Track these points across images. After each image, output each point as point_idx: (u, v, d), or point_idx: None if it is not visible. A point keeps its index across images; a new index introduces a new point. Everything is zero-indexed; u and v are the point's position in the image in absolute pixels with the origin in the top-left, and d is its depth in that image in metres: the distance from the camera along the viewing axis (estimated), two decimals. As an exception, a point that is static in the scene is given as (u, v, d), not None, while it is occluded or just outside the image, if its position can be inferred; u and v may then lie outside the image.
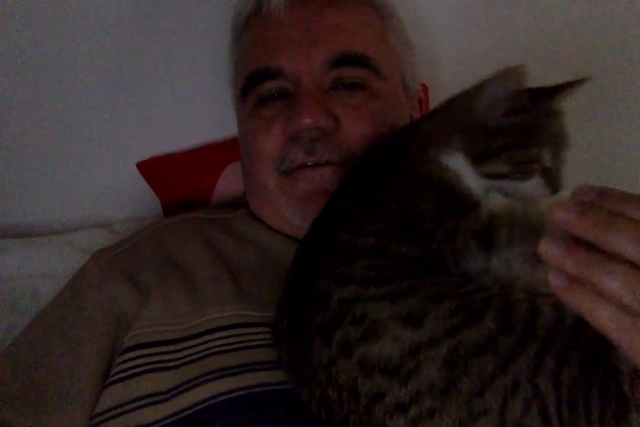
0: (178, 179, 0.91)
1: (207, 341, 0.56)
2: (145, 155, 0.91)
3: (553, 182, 0.51)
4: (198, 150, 0.92)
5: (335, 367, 0.44)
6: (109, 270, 0.65)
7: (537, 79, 0.52)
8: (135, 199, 0.94)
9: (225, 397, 0.51)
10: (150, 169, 0.91)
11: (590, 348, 0.43)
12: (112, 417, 0.53)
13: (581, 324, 0.40)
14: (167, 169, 0.91)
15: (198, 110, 0.92)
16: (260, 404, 0.49)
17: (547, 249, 0.33)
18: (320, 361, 0.45)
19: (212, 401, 0.51)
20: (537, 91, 0.53)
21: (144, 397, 0.53)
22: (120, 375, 0.56)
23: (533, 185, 0.51)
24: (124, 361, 0.57)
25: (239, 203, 0.80)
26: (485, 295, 0.46)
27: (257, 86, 0.69)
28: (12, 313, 0.79)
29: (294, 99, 0.66)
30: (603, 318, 0.32)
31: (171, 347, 0.56)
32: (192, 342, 0.56)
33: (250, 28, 0.73)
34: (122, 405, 0.53)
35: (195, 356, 0.55)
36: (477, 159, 0.52)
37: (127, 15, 0.86)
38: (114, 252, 0.69)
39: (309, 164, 0.65)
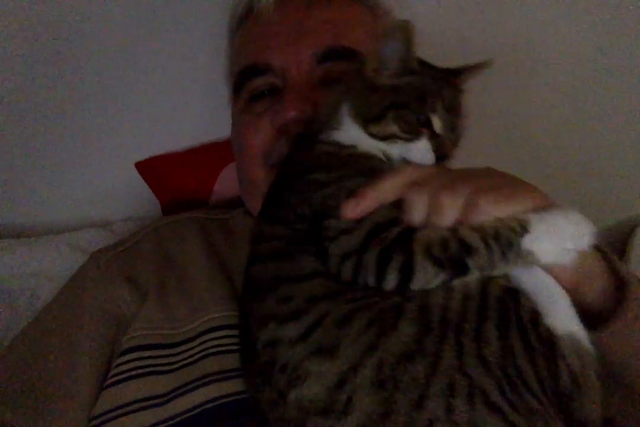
0: (176, 179, 0.91)
1: (203, 342, 0.57)
2: (143, 155, 0.91)
3: (440, 150, 0.51)
4: (197, 150, 0.92)
5: (280, 408, 0.44)
6: (108, 270, 0.65)
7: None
8: (133, 199, 0.94)
9: (221, 401, 0.51)
10: (148, 168, 0.91)
11: (499, 312, 0.43)
12: (110, 419, 0.53)
13: (484, 295, 0.43)
14: (166, 169, 0.91)
15: (196, 111, 0.92)
16: (255, 409, 0.49)
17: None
18: (269, 397, 0.45)
19: (208, 406, 0.51)
20: (433, 67, 0.54)
21: (141, 400, 0.53)
22: (118, 377, 0.55)
23: (419, 148, 0.51)
24: (122, 363, 0.56)
25: (237, 203, 0.80)
26: (396, 299, 0.44)
27: (247, 82, 0.70)
28: (11, 312, 0.79)
29: (282, 94, 0.66)
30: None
31: (168, 351, 0.56)
32: (189, 345, 0.56)
33: (242, 28, 0.74)
34: (119, 408, 0.53)
35: (191, 359, 0.55)
36: (367, 120, 0.52)
37: (126, 15, 0.86)
38: (114, 252, 0.69)
39: None
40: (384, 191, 0.48)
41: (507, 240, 0.43)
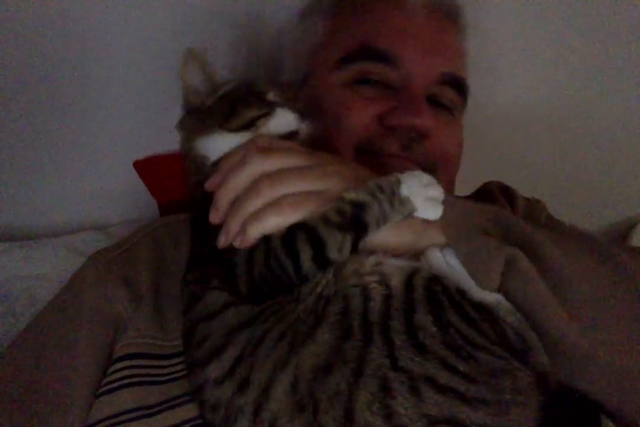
0: (174, 179, 0.91)
1: None
2: (139, 157, 0.90)
3: (294, 109, 0.57)
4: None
5: None
6: (106, 272, 0.65)
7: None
8: (130, 201, 0.94)
9: None
10: (147, 167, 0.91)
11: (428, 299, 0.43)
12: None
13: (408, 291, 0.43)
14: (164, 169, 0.91)
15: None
16: None
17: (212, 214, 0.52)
18: None
19: (197, 421, 0.49)
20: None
21: (131, 411, 0.52)
22: (111, 385, 0.55)
23: (283, 116, 0.56)
24: (114, 371, 0.56)
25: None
26: (312, 306, 0.44)
27: (367, 62, 0.69)
28: (9, 315, 0.79)
29: (406, 95, 0.67)
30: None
31: (161, 362, 0.55)
32: (182, 359, 0.55)
33: (374, 3, 0.72)
34: (111, 417, 0.52)
35: (182, 373, 0.54)
36: (221, 123, 0.56)
37: (122, 15, 0.86)
38: (111, 254, 0.68)
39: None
40: (234, 188, 0.51)
41: (389, 189, 0.48)
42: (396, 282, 0.44)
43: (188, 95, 0.60)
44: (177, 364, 0.55)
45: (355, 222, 0.47)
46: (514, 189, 0.84)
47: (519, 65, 0.96)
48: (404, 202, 0.48)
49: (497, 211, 0.54)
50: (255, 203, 0.49)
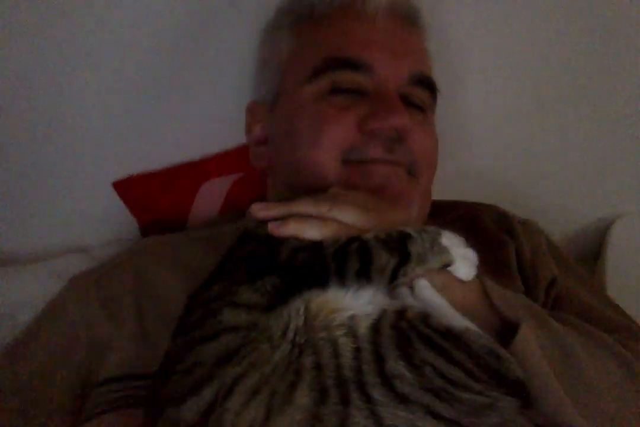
0: (154, 198, 0.91)
1: None
2: (118, 177, 0.90)
3: None
4: (174, 169, 0.92)
5: None
6: (86, 297, 0.64)
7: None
8: (111, 222, 0.93)
9: None
10: (126, 188, 0.91)
11: (396, 340, 0.42)
12: None
13: (375, 337, 0.42)
14: (144, 188, 0.91)
15: (174, 129, 0.92)
16: None
17: (260, 208, 0.55)
18: None
19: None
20: None
21: None
22: (95, 410, 0.54)
23: None
24: (98, 395, 0.55)
25: (216, 221, 0.80)
26: (287, 357, 0.41)
27: (337, 72, 0.69)
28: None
29: (380, 98, 0.68)
30: (308, 229, 0.51)
31: (147, 382, 0.54)
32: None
33: (333, 16, 0.73)
34: None
35: None
36: None
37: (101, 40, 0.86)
38: (92, 278, 0.68)
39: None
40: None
41: (432, 235, 0.50)
42: (363, 330, 0.42)
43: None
44: None
45: (400, 247, 0.48)
46: (510, 215, 0.83)
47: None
48: (443, 251, 0.49)
49: (530, 302, 0.57)
50: (308, 209, 0.53)
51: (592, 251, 1.09)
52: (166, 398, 0.42)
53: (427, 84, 0.74)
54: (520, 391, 0.43)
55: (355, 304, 0.45)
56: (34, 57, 0.84)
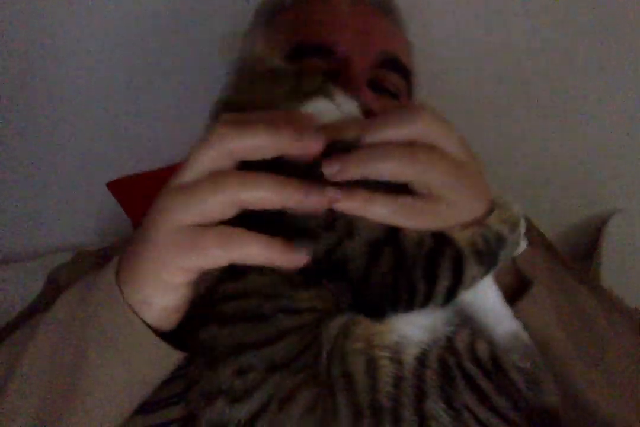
0: (149, 198, 0.91)
1: None
2: (112, 177, 0.91)
3: None
4: (168, 169, 0.93)
5: None
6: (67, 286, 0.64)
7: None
8: (107, 222, 0.93)
9: None
10: (120, 188, 0.91)
11: (440, 377, 0.38)
12: None
13: (420, 371, 0.38)
14: (138, 188, 0.91)
15: (168, 128, 0.93)
16: None
17: (330, 167, 0.39)
18: None
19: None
20: None
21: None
22: None
23: None
24: None
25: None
26: (326, 370, 0.38)
27: (306, 59, 0.66)
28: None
29: (343, 79, 0.65)
30: (377, 210, 0.38)
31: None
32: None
33: (299, 6, 0.73)
34: None
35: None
36: None
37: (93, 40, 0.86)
38: (70, 267, 0.67)
39: None
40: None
41: (517, 228, 0.42)
42: (410, 359, 0.38)
43: None
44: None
45: (493, 256, 0.40)
46: None
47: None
48: (519, 241, 0.43)
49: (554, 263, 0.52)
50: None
51: (587, 247, 1.09)
52: (211, 389, 0.39)
53: (400, 68, 0.69)
54: (552, 420, 0.40)
55: (407, 327, 0.40)
56: (31, 57, 0.84)
